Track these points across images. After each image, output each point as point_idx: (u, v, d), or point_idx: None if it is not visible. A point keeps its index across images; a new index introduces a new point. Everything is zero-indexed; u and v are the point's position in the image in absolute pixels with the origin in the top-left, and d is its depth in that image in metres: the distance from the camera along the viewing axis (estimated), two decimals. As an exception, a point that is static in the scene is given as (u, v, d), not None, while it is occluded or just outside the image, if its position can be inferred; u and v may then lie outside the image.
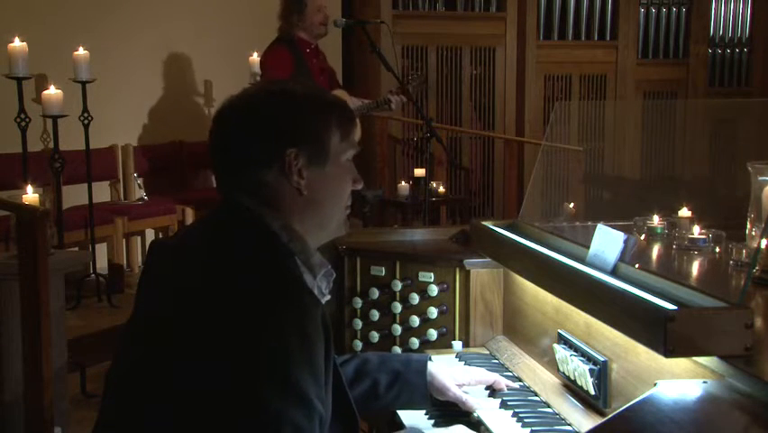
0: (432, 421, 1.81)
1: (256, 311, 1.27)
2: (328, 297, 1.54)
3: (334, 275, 1.54)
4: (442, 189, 6.43)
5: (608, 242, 1.72)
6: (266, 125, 1.44)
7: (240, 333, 1.26)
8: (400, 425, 1.82)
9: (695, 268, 2.06)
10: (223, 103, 1.49)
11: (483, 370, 1.90)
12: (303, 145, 1.44)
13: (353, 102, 4.70)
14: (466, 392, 1.81)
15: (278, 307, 1.28)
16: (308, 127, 1.45)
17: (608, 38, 7.91)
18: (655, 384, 1.35)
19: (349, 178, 1.52)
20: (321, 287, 1.50)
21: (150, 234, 6.03)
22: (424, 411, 1.84)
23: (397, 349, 2.27)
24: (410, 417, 1.83)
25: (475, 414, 1.76)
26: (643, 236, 2.29)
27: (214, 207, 1.51)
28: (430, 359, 1.87)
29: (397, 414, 1.84)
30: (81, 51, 4.99)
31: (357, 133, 1.54)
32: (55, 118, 4.82)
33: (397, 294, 2.27)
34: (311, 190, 1.45)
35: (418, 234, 2.54)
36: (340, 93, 4.65)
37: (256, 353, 1.24)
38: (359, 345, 2.35)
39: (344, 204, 1.53)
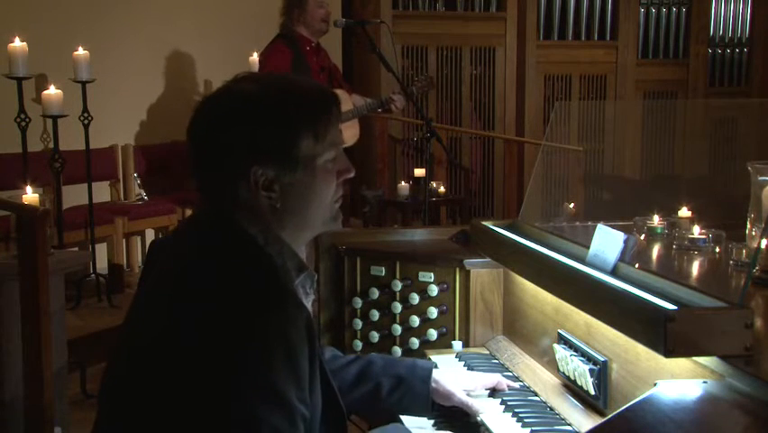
0: (431, 422, 1.82)
1: (237, 317, 1.26)
2: (313, 296, 1.51)
3: (315, 276, 1.49)
4: (442, 189, 6.43)
5: (608, 242, 1.72)
6: (227, 144, 1.38)
7: (221, 339, 1.25)
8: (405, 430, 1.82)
9: (695, 268, 2.06)
10: (194, 110, 1.43)
11: (485, 374, 1.90)
12: (268, 159, 1.37)
13: (356, 101, 4.69)
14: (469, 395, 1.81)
15: (260, 312, 1.27)
16: (271, 141, 1.37)
17: (608, 38, 7.90)
18: (655, 384, 1.35)
19: (330, 177, 1.44)
20: (305, 286, 1.47)
21: (150, 235, 6.03)
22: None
23: (398, 349, 2.27)
24: (412, 418, 1.83)
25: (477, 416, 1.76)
26: (643, 236, 2.29)
27: (198, 213, 1.50)
28: (435, 366, 1.87)
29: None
30: (81, 51, 4.99)
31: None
32: (55, 118, 4.81)
33: (397, 294, 2.27)
34: (285, 200, 1.40)
35: (418, 234, 2.54)
36: (339, 93, 4.64)
37: (237, 358, 1.24)
38: (359, 345, 2.35)
39: (328, 203, 1.46)
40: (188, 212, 5.83)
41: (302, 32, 4.52)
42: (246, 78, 1.46)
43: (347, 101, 4.65)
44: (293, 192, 1.40)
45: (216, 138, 1.39)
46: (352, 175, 1.50)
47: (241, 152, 1.37)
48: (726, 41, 8.19)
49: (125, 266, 5.65)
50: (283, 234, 1.43)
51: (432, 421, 1.81)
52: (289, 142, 1.39)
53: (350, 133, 4.62)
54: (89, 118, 5.06)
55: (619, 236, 1.69)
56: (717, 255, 2.13)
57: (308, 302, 1.48)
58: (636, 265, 1.66)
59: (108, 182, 5.95)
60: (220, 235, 1.40)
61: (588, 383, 1.65)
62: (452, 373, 1.87)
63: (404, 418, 1.83)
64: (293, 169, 1.39)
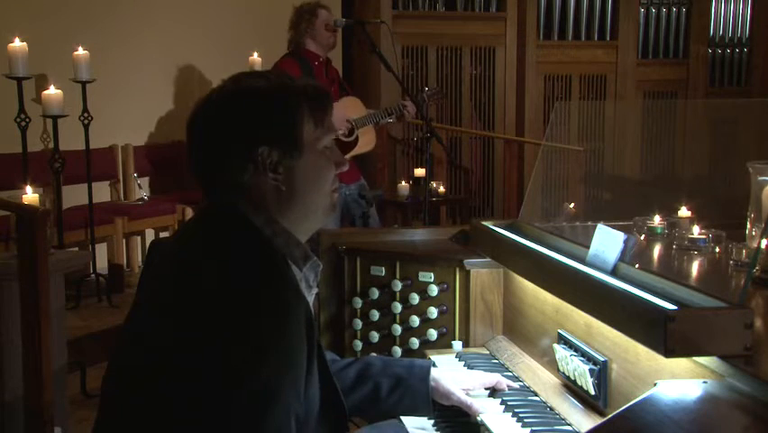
0: (431, 422, 1.81)
1: (237, 312, 1.27)
2: (316, 290, 1.53)
3: (321, 266, 1.52)
4: (442, 189, 6.43)
5: (608, 242, 1.72)
6: (233, 128, 1.43)
7: (220, 334, 1.26)
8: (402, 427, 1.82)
9: (695, 268, 2.06)
10: (193, 109, 1.48)
11: (485, 373, 1.90)
12: (274, 142, 1.42)
13: (365, 111, 4.70)
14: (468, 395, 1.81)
15: (259, 308, 1.28)
16: (277, 122, 1.44)
17: (607, 38, 7.90)
18: (655, 384, 1.35)
19: (329, 163, 1.50)
20: (308, 279, 1.49)
21: (150, 234, 6.03)
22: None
23: (398, 349, 2.26)
24: (413, 418, 1.83)
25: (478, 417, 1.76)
26: (643, 236, 2.29)
27: (201, 208, 1.51)
28: (434, 365, 1.87)
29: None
30: (81, 51, 4.99)
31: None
32: (55, 118, 4.81)
33: (397, 294, 2.27)
34: (290, 183, 1.44)
35: (418, 235, 2.54)
36: (352, 100, 4.67)
37: (235, 353, 1.25)
38: (359, 345, 2.35)
39: (328, 190, 1.51)
40: (189, 212, 5.83)
41: (310, 46, 4.55)
42: (250, 74, 1.53)
43: (361, 108, 4.68)
44: (297, 175, 1.45)
45: (225, 124, 1.43)
46: (346, 168, 1.56)
47: (248, 136, 1.42)
48: (726, 41, 8.19)
49: (125, 266, 5.65)
50: (286, 223, 1.45)
51: (431, 421, 1.81)
52: (293, 127, 1.44)
53: (366, 138, 4.65)
54: (89, 118, 5.06)
55: (619, 236, 1.69)
56: (717, 255, 2.13)
57: (311, 295, 1.50)
58: (636, 265, 1.66)
59: (108, 182, 5.95)
60: (224, 230, 1.41)
61: (588, 383, 1.65)
62: (450, 372, 1.87)
63: (404, 418, 1.83)
64: (298, 152, 1.45)
